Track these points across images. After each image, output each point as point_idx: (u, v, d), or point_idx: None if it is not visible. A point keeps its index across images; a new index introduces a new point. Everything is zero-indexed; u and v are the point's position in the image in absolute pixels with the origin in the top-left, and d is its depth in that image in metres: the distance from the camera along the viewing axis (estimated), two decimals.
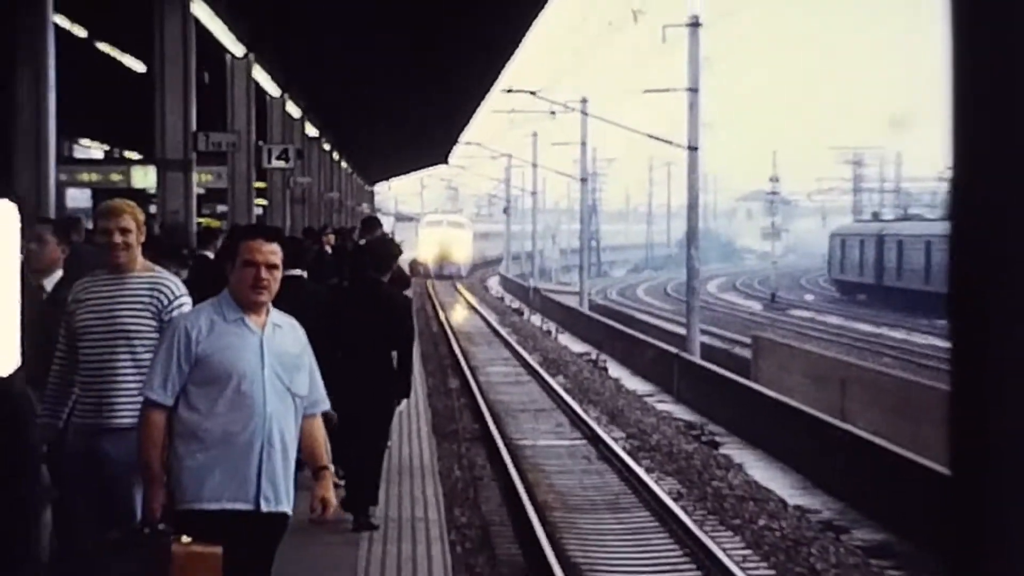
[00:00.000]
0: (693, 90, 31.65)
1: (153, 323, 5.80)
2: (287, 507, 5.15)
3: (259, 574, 5.16)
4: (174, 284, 5.98)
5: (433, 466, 12.55)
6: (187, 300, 5.90)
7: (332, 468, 5.42)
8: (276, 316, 5.21)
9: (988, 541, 1.48)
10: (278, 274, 5.17)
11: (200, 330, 5.07)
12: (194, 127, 15.15)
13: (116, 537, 5.15)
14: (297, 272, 9.29)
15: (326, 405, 5.41)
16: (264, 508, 5.05)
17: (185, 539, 4.89)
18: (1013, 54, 1.44)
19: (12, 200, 5.00)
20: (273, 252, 5.14)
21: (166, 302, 5.85)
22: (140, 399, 5.31)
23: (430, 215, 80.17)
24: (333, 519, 5.36)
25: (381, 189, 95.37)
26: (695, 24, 31.74)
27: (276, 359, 5.10)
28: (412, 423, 14.65)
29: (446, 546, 9.15)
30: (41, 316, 6.83)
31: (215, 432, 5.02)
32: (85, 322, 5.78)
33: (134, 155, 33.65)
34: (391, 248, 10.02)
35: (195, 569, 4.84)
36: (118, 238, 5.76)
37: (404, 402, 9.93)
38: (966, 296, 1.53)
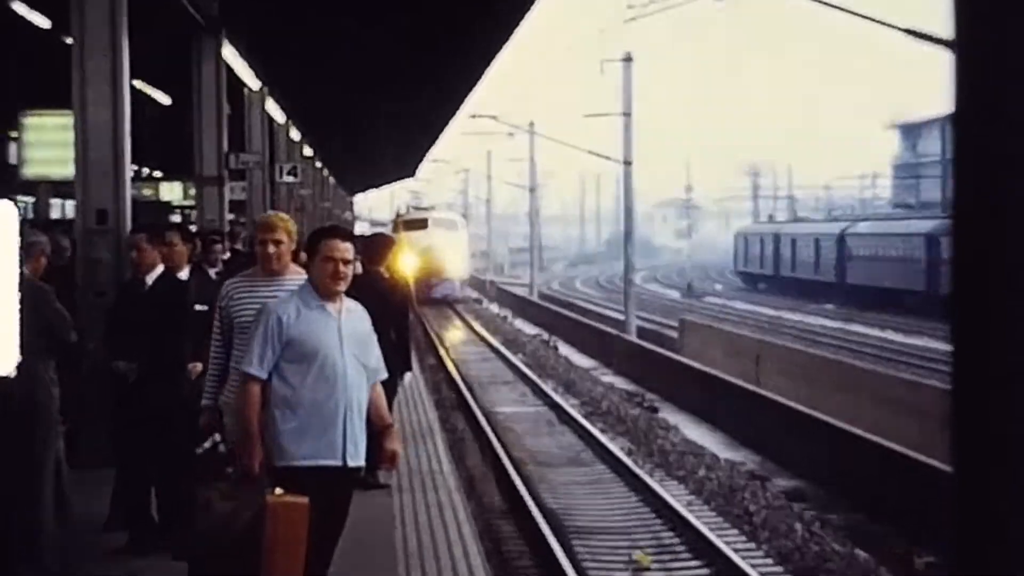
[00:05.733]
0: (627, 114, 31.87)
1: None
2: (363, 460, 5.25)
3: (341, 516, 5.25)
4: None
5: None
6: None
7: (396, 426, 5.53)
8: (348, 302, 5.28)
9: (991, 536, 1.37)
10: (351, 268, 5.25)
11: (289, 315, 5.13)
12: (226, 149, 15.23)
13: (221, 487, 5.16)
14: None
15: (385, 374, 5.48)
16: (350, 463, 5.15)
17: (278, 491, 4.93)
18: (1013, 59, 1.34)
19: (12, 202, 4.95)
20: (348, 249, 5.21)
21: None
22: None
23: (412, 212, 49.84)
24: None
25: (358, 199, 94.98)
26: (628, 59, 31.99)
27: (351, 338, 5.19)
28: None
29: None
30: (138, 305, 7.26)
31: (306, 401, 5.09)
32: (244, 317, 5.74)
33: (157, 173, 33.49)
34: (382, 241, 9.98)
35: (286, 517, 4.86)
36: (271, 249, 5.77)
37: (408, 376, 9.96)
38: (968, 296, 1.39)
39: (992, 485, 1.37)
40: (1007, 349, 1.35)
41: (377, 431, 5.37)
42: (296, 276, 5.83)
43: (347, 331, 5.18)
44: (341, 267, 5.16)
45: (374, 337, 5.39)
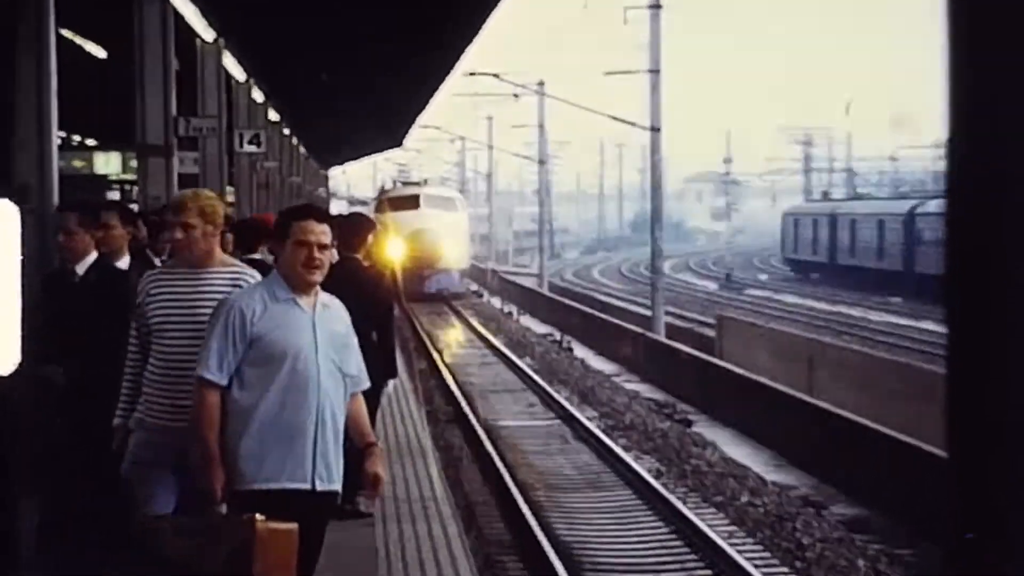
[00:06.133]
0: (655, 71, 31.86)
1: None
2: (338, 485, 5.26)
3: (312, 550, 5.22)
4: (256, 279, 5.90)
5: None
6: None
7: (380, 444, 5.49)
8: (324, 296, 5.31)
9: (987, 525, 1.58)
10: (329, 254, 5.28)
11: (255, 311, 5.14)
12: (174, 112, 15.19)
13: (188, 522, 5.13)
14: (258, 256, 9.29)
15: (367, 383, 5.48)
16: (319, 487, 5.15)
17: (260, 517, 4.92)
18: (1007, 45, 1.56)
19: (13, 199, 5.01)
20: (324, 232, 5.24)
21: None
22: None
23: (400, 187, 49.21)
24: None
25: (335, 173, 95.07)
26: (656, 6, 31.96)
27: (327, 339, 5.20)
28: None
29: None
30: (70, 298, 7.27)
31: (270, 412, 5.10)
32: (163, 318, 5.68)
33: (91, 142, 33.53)
34: (361, 223, 9.82)
35: (276, 545, 4.90)
36: (179, 234, 5.69)
37: (392, 383, 9.95)
38: (963, 283, 1.62)
39: (989, 475, 1.59)
40: (1004, 338, 1.57)
41: (357, 450, 5.36)
42: (225, 269, 5.79)
43: (322, 330, 5.20)
44: (316, 253, 5.17)
45: (354, 338, 5.41)
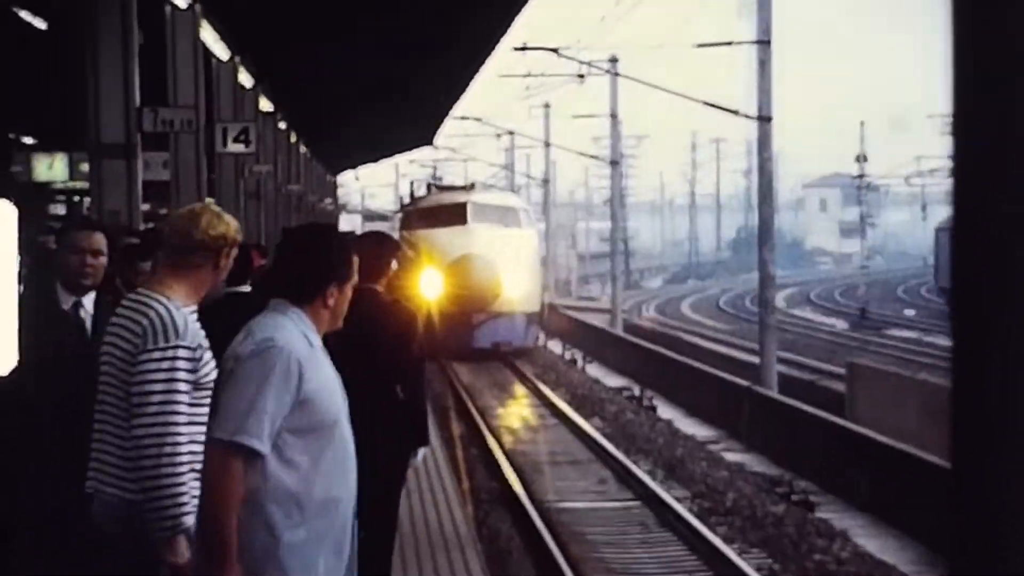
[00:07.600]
0: (764, 42, 31.73)
1: None
2: None
3: None
4: None
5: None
6: None
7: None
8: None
9: (991, 534, 1.92)
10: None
11: (303, 359, 5.08)
12: (137, 101, 15.32)
13: None
14: (245, 288, 9.24)
15: None
16: None
17: None
18: (1012, 54, 1.89)
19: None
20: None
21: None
22: None
23: (436, 194, 46.40)
24: None
25: (346, 179, 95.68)
26: None
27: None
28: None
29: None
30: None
31: (318, 496, 5.07)
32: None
33: (28, 140, 33.86)
34: (381, 244, 9.67)
35: None
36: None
37: (423, 452, 9.91)
38: (969, 293, 2.03)
39: (992, 483, 1.96)
40: (1006, 348, 1.95)
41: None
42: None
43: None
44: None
45: None
